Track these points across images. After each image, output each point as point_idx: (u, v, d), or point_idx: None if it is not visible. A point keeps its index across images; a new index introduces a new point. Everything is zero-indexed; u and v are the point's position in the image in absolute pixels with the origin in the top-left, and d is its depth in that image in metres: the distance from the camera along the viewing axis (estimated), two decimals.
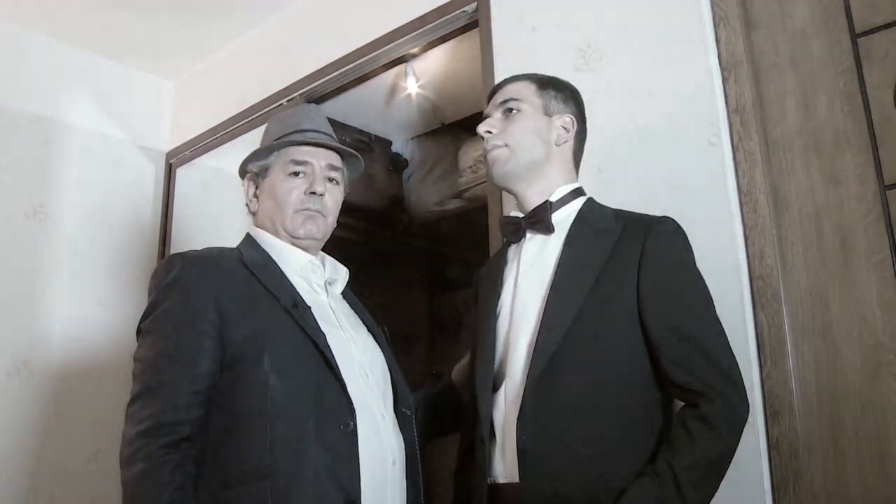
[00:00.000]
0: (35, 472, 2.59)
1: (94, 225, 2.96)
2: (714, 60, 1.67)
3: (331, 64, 2.61)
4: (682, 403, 1.25)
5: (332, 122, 3.10)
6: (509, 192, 1.50)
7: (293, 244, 1.42)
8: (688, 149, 1.66)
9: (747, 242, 1.54)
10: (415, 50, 2.51)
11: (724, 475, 1.19)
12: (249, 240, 1.44)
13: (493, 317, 1.41)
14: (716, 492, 1.19)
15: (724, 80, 1.64)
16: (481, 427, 1.32)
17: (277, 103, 2.78)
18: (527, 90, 1.47)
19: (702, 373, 1.20)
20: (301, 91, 2.70)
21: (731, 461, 1.19)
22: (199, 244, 2.94)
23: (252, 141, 2.87)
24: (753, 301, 1.51)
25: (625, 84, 1.82)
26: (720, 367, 1.22)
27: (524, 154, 1.42)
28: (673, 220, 1.35)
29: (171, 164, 3.22)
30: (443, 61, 2.79)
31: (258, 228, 1.46)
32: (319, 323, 1.31)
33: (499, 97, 1.49)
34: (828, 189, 1.50)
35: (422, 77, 2.90)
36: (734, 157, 1.59)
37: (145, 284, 2.97)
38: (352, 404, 1.25)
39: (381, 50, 2.46)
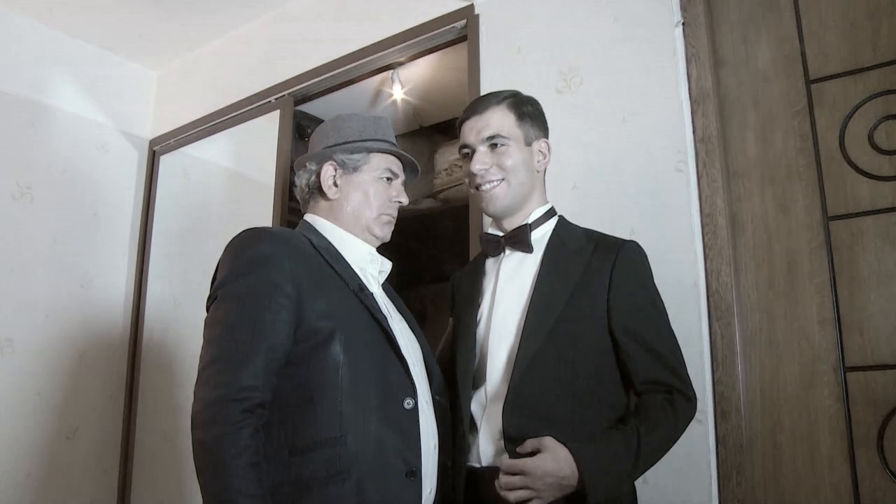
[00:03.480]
0: (14, 448, 2.64)
1: (77, 208, 3.00)
2: (685, 93, 1.82)
3: (321, 66, 2.70)
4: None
5: (316, 120, 3.24)
6: (497, 219, 1.59)
7: (357, 237, 1.51)
8: (657, 173, 1.82)
9: (706, 260, 1.71)
10: (402, 59, 2.63)
11: (665, 452, 1.36)
12: (308, 226, 1.50)
13: (472, 325, 1.54)
14: (652, 465, 1.36)
15: (693, 113, 1.80)
16: (460, 421, 1.46)
17: (266, 100, 2.87)
18: (507, 122, 1.54)
19: (664, 377, 1.38)
20: (290, 90, 2.79)
21: (674, 444, 1.37)
22: (181, 230, 3.06)
23: (236, 135, 2.98)
24: (709, 313, 1.68)
25: (602, 109, 1.96)
26: (678, 372, 1.40)
27: (519, 187, 1.53)
28: (638, 244, 1.49)
29: (155, 152, 3.27)
30: (425, 69, 2.93)
31: (317, 216, 1.52)
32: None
33: (482, 130, 1.53)
34: (779, 216, 1.68)
35: (405, 83, 3.03)
36: (698, 183, 1.75)
37: (125, 267, 3.13)
38: (414, 384, 1.35)
39: (372, 57, 2.57)
